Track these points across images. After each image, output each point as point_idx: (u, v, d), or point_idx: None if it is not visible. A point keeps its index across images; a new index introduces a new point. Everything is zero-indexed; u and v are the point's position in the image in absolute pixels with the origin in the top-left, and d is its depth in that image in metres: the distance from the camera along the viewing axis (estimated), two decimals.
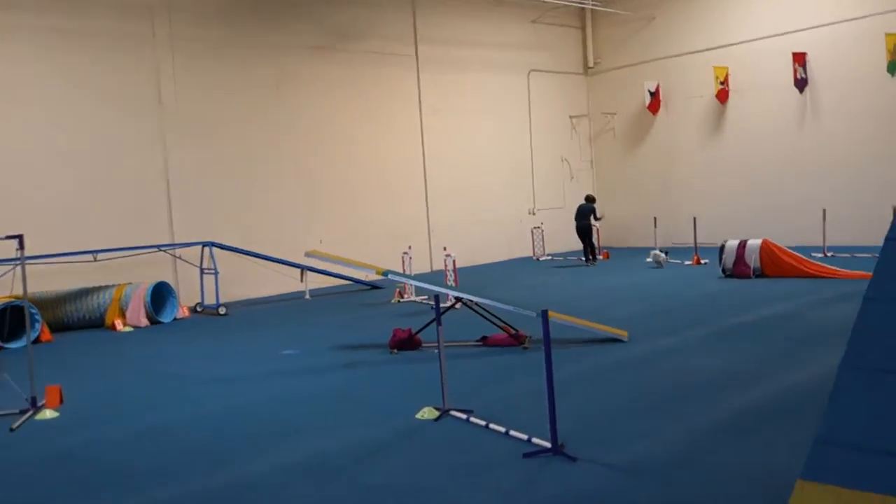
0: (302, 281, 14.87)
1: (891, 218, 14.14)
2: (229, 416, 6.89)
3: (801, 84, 18.10)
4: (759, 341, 8.67)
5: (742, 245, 13.78)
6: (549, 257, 19.72)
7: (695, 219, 17.04)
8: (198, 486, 5.21)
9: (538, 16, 20.72)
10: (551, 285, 14.76)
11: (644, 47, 20.94)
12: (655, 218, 18.42)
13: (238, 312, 13.47)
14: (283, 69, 16.12)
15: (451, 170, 18.91)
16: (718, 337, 9.04)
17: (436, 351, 8.96)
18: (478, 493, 4.81)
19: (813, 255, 14.41)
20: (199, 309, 13.79)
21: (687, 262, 16.36)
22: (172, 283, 13.57)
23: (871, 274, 11.71)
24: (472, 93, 19.54)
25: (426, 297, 13.46)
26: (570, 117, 21.91)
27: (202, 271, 13.76)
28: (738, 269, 13.66)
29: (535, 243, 19.91)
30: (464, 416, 6.35)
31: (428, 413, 6.48)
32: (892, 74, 16.62)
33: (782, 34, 18.22)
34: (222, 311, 13.26)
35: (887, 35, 16.51)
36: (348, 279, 15.78)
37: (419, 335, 9.34)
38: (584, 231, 17.72)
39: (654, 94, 20.69)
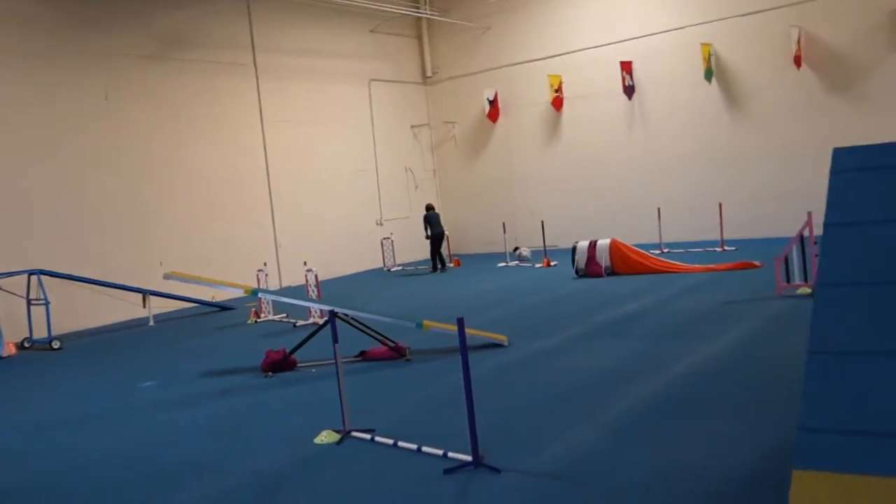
0: (145, 306, 13.78)
1: (716, 213, 15.19)
2: (97, 464, 6.11)
3: (629, 91, 19.14)
4: (628, 338, 8.91)
5: (593, 245, 14.30)
6: (400, 267, 19.58)
7: (542, 222, 17.54)
8: None
9: (376, 25, 20.59)
10: (414, 294, 14.60)
11: (481, 56, 21.36)
12: (504, 223, 18.77)
13: (75, 345, 12.25)
14: (114, 79, 14.90)
15: (296, 182, 18.32)
16: (590, 336, 9.22)
17: (314, 370, 8.66)
18: None
19: (651, 252, 15.21)
20: (27, 345, 12.40)
21: (538, 265, 16.78)
22: None
23: (709, 266, 12.40)
24: (315, 103, 19.05)
25: (285, 315, 12.89)
26: (412, 127, 21.94)
27: (29, 302, 12.39)
28: (590, 268, 14.14)
29: (385, 254, 19.72)
30: (367, 436, 6.01)
31: (328, 436, 6.08)
32: (709, 80, 17.94)
33: (610, 44, 19.19)
34: (56, 344, 12.00)
35: (703, 45, 17.82)
36: (195, 301, 14.82)
37: (294, 355, 8.85)
38: (440, 238, 17.82)
39: (493, 103, 21.14)
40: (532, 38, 20.50)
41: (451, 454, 5.36)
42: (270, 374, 8.60)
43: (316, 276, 11.85)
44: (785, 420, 5.44)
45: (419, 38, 22.30)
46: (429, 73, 22.33)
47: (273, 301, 13.04)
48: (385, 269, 19.57)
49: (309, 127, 18.79)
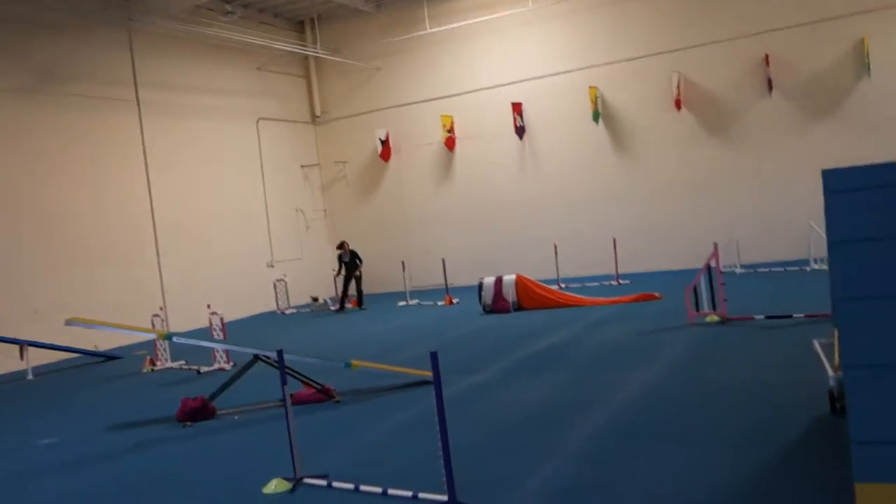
0: (22, 358, 12.60)
1: (611, 248, 15.63)
2: None
3: (520, 131, 19.59)
4: (559, 370, 8.89)
5: (499, 281, 14.36)
6: (295, 310, 18.97)
7: (443, 260, 17.50)
8: None
9: (263, 63, 20.18)
10: (322, 335, 14.12)
11: (372, 96, 21.31)
12: (403, 262, 18.59)
13: None
14: None
15: (183, 224, 17.45)
16: (520, 369, 9.13)
17: (237, 417, 8.11)
18: None
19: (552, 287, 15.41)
20: None
21: (440, 303, 16.67)
22: None
23: (613, 299, 12.70)
24: (201, 141, 18.33)
25: (184, 362, 12.11)
26: (302, 167, 21.51)
27: None
28: (497, 304, 14.17)
29: (279, 296, 19.07)
30: (322, 482, 5.62)
31: (278, 485, 5.64)
32: (596, 122, 18.65)
33: (501, 85, 19.64)
34: None
35: (590, 87, 18.54)
36: (77, 351, 13.71)
37: (213, 402, 8.26)
38: (354, 275, 17.70)
39: (385, 143, 21.09)
40: (423, 79, 20.68)
41: (421, 495, 5.08)
42: (189, 423, 7.97)
43: (222, 320, 11.23)
44: (746, 444, 5.52)
45: (307, 77, 22.03)
46: (318, 113, 22.05)
47: (170, 348, 12.23)
48: (279, 311, 18.90)
49: (196, 166, 18.03)
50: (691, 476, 5.03)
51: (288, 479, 5.69)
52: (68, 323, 8.19)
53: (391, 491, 5.25)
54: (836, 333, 4.75)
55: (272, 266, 19.90)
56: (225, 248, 18.44)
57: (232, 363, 11.23)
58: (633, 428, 6.26)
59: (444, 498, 4.93)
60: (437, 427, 4.91)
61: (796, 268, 15.70)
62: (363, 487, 5.39)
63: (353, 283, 17.95)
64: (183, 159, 17.68)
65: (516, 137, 19.59)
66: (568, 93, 18.92)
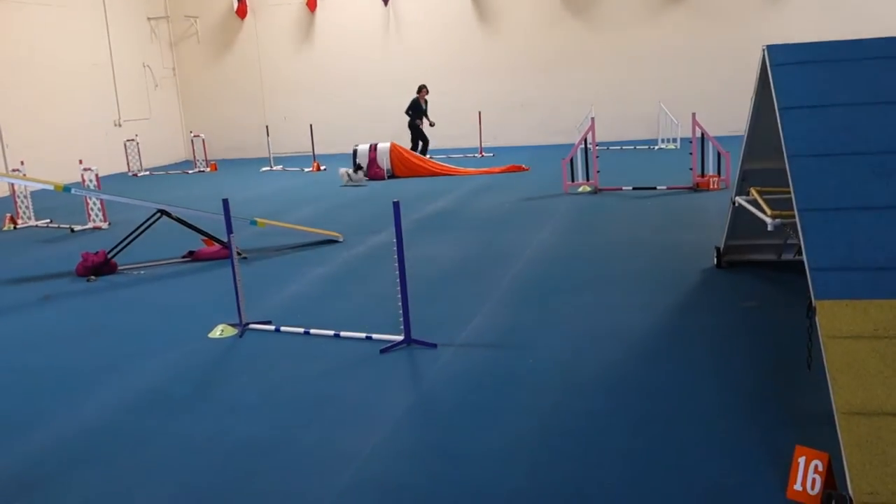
0: None
1: (475, 121, 15.98)
2: None
3: None
4: (458, 230, 9.25)
5: (373, 148, 14.47)
6: (148, 172, 18.13)
7: (311, 125, 17.26)
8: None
9: None
10: (193, 198, 13.66)
11: None
12: (267, 126, 18.12)
13: None
14: None
15: (20, 75, 15.93)
16: (420, 230, 9.35)
17: (141, 272, 7.98)
18: (376, 391, 4.56)
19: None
20: None
21: (307, 169, 16.58)
22: None
23: (485, 170, 13.39)
24: None
25: (49, 220, 11.47)
26: (149, 19, 19.99)
27: None
28: (372, 171, 14.35)
29: (130, 158, 18.09)
30: (269, 327, 5.83)
31: (225, 331, 5.78)
32: None
33: None
34: None
35: None
36: None
37: (114, 258, 8.06)
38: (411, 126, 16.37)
39: None
40: None
41: (376, 336, 5.43)
42: (93, 277, 7.76)
43: (97, 176, 10.68)
44: (660, 285, 6.29)
45: None
46: None
47: (33, 205, 11.52)
48: (130, 173, 17.99)
49: (33, 9, 16.32)
50: (618, 313, 5.69)
51: (233, 325, 5.84)
52: None
53: (344, 333, 5.55)
54: (753, 191, 5.47)
55: (119, 125, 18.74)
56: (68, 103, 17.12)
57: (108, 222, 10.81)
58: (552, 278, 6.83)
59: (400, 337, 5.31)
60: (397, 268, 5.22)
61: (645, 147, 16.97)
62: (314, 331, 5.65)
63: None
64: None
65: (381, 3, 19.21)
66: None
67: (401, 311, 5.25)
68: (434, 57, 19.24)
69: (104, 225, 10.72)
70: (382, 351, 5.19)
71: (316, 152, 17.23)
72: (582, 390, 4.36)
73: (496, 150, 17.63)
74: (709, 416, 3.92)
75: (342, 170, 14.13)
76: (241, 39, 20.44)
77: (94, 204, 10.70)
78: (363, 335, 5.47)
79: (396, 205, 5.21)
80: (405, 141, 16.17)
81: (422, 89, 16.05)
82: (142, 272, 7.99)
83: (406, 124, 16.14)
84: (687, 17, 17.77)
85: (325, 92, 19.98)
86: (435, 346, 5.21)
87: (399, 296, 5.22)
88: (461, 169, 14.58)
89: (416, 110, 15.96)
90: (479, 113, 17.67)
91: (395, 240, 5.25)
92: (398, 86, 19.45)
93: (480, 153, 17.42)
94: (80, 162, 11.02)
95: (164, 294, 7.15)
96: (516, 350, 5.11)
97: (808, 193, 3.81)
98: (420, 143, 16.13)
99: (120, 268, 8.06)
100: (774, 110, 4.28)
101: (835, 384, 3.11)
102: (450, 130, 18.82)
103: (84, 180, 10.62)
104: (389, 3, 19.27)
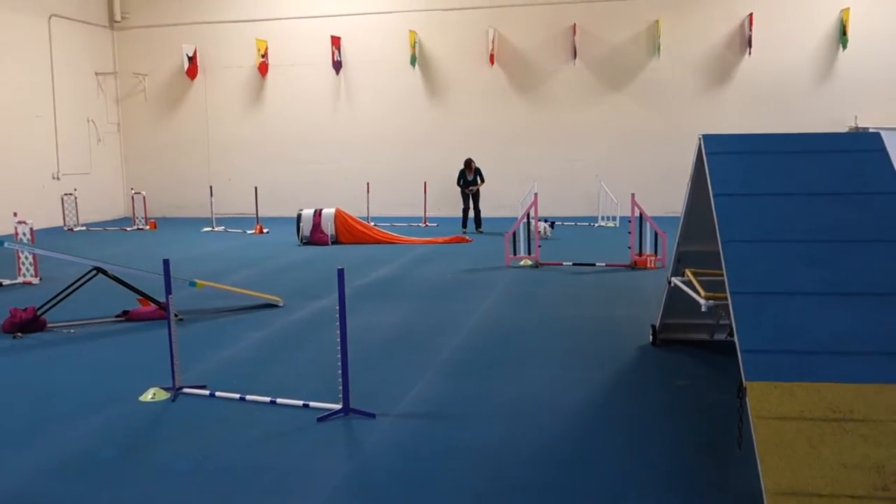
0: None
1: (422, 190, 16.13)
2: None
3: (337, 66, 19.54)
4: (400, 299, 9.28)
5: (318, 213, 14.48)
6: (85, 227, 17.74)
7: (256, 188, 17.21)
8: None
9: None
10: (132, 256, 13.39)
11: (179, 8, 20.11)
12: (211, 187, 18.00)
13: None
14: None
15: None
16: (361, 297, 9.34)
17: (72, 331, 7.73)
18: (311, 460, 4.49)
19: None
20: None
21: (249, 231, 16.45)
22: None
23: (428, 239, 13.55)
24: None
25: None
26: (97, 74, 19.88)
27: None
28: (315, 236, 14.32)
29: (68, 212, 17.71)
30: (203, 392, 5.69)
31: (157, 394, 5.63)
32: (413, 66, 19.10)
33: (321, 16, 19.41)
34: None
35: (410, 31, 18.90)
36: None
37: (44, 315, 7.82)
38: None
39: (192, 59, 20.06)
40: None
41: (313, 404, 5.36)
42: (20, 335, 7.50)
43: (31, 229, 10.41)
44: (597, 360, 6.37)
45: None
46: (117, 17, 20.41)
47: None
48: (66, 228, 17.58)
49: None
50: (555, 387, 5.74)
51: (166, 389, 5.70)
52: None
53: (280, 400, 5.46)
54: (688, 273, 5.65)
55: (58, 178, 18.39)
56: (7, 152, 16.76)
57: (39, 277, 10.50)
58: (489, 349, 6.89)
59: (338, 406, 5.25)
60: (339, 337, 5.19)
61: (586, 223, 17.38)
62: (249, 397, 5.55)
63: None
64: None
65: (333, 72, 19.52)
66: (388, 33, 19.14)
67: (340, 380, 5.20)
68: (382, 126, 19.53)
69: (35, 280, 10.41)
70: (320, 419, 5.12)
71: (260, 215, 17.16)
72: (516, 464, 4.36)
73: (440, 221, 17.81)
74: (640, 495, 3.96)
75: None
76: (189, 99, 20.43)
77: (26, 258, 10.40)
78: (300, 402, 5.39)
79: (341, 272, 5.21)
80: (350, 207, 16.22)
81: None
82: (73, 331, 7.75)
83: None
84: (629, 101, 18.50)
85: (271, 155, 20.02)
86: (373, 415, 5.16)
87: (339, 363, 5.17)
88: (405, 238, 14.67)
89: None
90: (425, 183, 17.91)
91: (337, 306, 5.22)
92: (346, 152, 19.67)
93: (425, 223, 17.58)
94: (15, 214, 10.74)
95: (95, 354, 6.95)
96: (454, 421, 5.10)
97: (740, 277, 3.97)
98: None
99: (50, 325, 7.82)
100: (709, 196, 4.48)
101: (763, 465, 3.19)
102: (395, 199, 19.00)
103: (17, 233, 10.33)
104: (341, 71, 19.59)
